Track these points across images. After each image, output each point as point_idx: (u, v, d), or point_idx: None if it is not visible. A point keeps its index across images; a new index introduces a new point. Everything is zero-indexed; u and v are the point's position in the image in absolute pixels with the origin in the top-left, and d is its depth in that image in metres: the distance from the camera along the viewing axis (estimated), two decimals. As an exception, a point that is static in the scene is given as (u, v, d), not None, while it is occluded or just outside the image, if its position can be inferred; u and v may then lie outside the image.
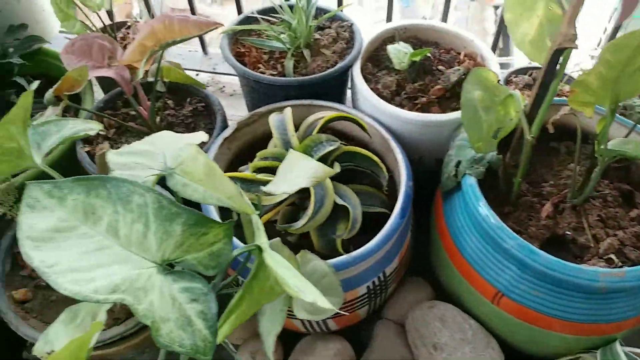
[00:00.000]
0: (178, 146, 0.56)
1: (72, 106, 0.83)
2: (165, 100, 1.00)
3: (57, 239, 0.46)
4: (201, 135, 0.58)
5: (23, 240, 0.45)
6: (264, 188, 0.55)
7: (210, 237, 0.49)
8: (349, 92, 1.02)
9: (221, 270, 0.51)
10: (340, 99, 1.03)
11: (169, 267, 0.48)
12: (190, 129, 0.99)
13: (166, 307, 0.45)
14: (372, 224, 0.74)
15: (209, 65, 1.27)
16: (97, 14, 1.03)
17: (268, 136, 0.83)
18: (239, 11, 1.22)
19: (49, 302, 0.75)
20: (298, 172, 0.54)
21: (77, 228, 0.47)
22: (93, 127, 0.58)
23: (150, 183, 0.51)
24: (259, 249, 0.49)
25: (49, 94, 0.81)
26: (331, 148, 0.77)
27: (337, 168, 0.76)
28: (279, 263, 0.47)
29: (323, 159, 0.78)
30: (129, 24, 1.12)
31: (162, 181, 0.53)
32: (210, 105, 1.00)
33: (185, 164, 0.52)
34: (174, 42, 0.84)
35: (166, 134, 0.59)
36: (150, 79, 0.93)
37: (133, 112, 0.99)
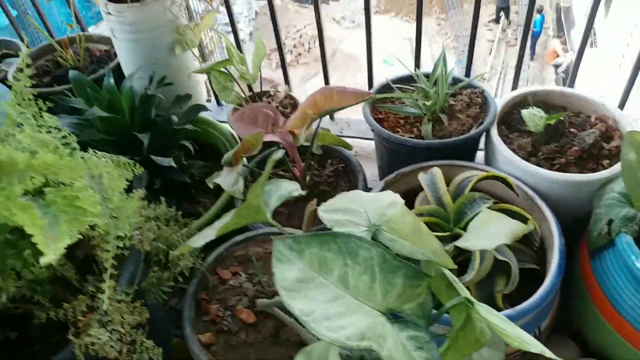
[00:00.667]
0: (379, 205, 0.64)
1: (248, 167, 0.94)
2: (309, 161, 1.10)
3: (303, 289, 0.54)
4: (395, 197, 0.65)
5: (279, 290, 0.53)
6: (458, 244, 0.61)
7: (420, 289, 0.56)
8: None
9: (429, 320, 0.57)
10: (472, 159, 1.09)
11: (390, 316, 0.54)
12: (332, 187, 1.08)
13: (400, 354, 0.50)
14: (521, 280, 0.78)
15: (336, 130, 1.38)
16: (250, 85, 1.17)
17: (410, 194, 0.90)
18: (285, 78, 1.33)
19: (229, 346, 0.82)
20: (494, 229, 0.60)
21: (315, 278, 0.55)
22: (298, 189, 0.67)
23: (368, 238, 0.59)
24: (468, 302, 0.55)
25: (228, 156, 0.93)
26: (485, 206, 0.83)
27: (493, 225, 0.81)
28: (493, 316, 0.52)
29: (474, 216, 0.83)
30: (271, 93, 1.25)
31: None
32: (350, 166, 1.09)
33: (393, 221, 0.60)
34: (332, 111, 0.95)
35: (363, 194, 0.68)
36: (305, 142, 1.03)
37: (281, 172, 1.10)
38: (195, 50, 1.21)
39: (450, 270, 0.82)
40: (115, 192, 0.61)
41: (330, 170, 1.10)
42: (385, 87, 1.12)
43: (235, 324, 0.85)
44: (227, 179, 0.95)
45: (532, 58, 8.82)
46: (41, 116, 0.66)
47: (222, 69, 1.14)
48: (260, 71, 1.15)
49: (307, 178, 1.04)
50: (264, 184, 0.62)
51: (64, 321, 0.72)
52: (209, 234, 0.63)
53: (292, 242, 0.57)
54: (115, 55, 1.33)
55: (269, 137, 0.96)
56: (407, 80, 1.13)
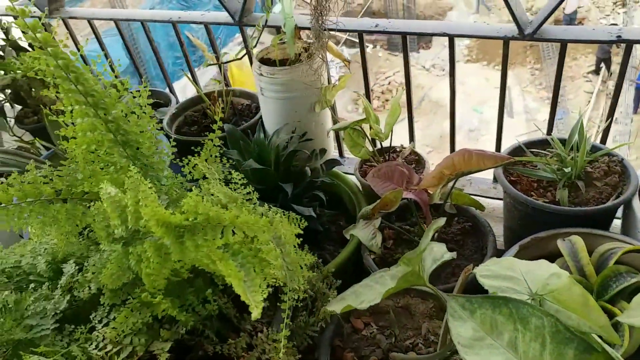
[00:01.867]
0: (539, 274, 0.65)
1: (385, 223, 0.99)
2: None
3: (475, 347, 0.57)
4: (555, 268, 0.67)
5: (457, 345, 0.56)
6: (622, 319, 0.61)
7: (590, 362, 0.56)
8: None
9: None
10: (607, 227, 1.07)
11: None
12: (459, 245, 1.10)
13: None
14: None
15: (457, 187, 1.41)
16: (379, 141, 1.24)
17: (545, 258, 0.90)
18: (411, 135, 1.34)
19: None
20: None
21: (485, 339, 0.58)
22: (448, 253, 0.71)
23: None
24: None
25: (366, 210, 0.99)
26: (633, 280, 0.81)
27: None
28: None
29: (620, 291, 0.82)
30: (397, 149, 1.32)
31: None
32: (478, 225, 1.11)
33: (559, 292, 0.61)
34: (469, 172, 0.99)
35: (516, 261, 0.70)
36: (438, 201, 1.07)
37: (407, 226, 1.14)
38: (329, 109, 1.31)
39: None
40: (290, 246, 0.68)
41: (457, 229, 1.13)
42: (517, 150, 1.14)
43: (369, 374, 0.88)
44: (365, 232, 1.01)
45: (635, 111, 8.33)
46: (230, 172, 0.76)
47: (357, 127, 1.22)
48: (392, 130, 1.22)
49: (435, 235, 1.07)
50: (424, 250, 0.66)
51: (226, 356, 0.79)
52: (372, 298, 0.68)
53: (465, 301, 0.61)
54: (256, 109, 1.47)
55: (405, 195, 1.01)
56: (540, 143, 1.14)
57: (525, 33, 1.04)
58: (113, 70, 1.24)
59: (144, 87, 0.86)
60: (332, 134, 1.40)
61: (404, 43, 1.22)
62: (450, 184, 1.02)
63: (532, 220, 1.05)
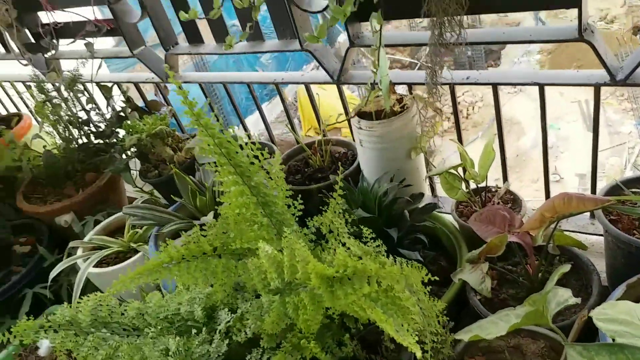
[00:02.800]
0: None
1: (494, 268, 1.07)
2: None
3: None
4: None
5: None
6: None
7: None
8: None
9: None
10: None
11: None
12: (562, 284, 1.15)
13: None
14: None
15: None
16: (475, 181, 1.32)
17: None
18: (504, 175, 1.37)
19: None
20: None
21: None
22: (573, 298, 0.78)
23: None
24: None
25: (473, 255, 1.07)
26: None
27: None
28: None
29: None
30: (492, 189, 1.39)
31: None
32: (579, 264, 1.16)
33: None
34: (570, 215, 1.05)
35: (632, 305, 0.76)
36: (541, 242, 1.13)
37: (509, 267, 1.21)
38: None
39: None
40: (421, 293, 0.78)
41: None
42: (615, 188, 1.18)
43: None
44: (473, 276, 1.09)
45: None
46: (360, 229, 0.88)
47: (452, 171, 1.32)
48: (487, 173, 1.30)
49: (539, 275, 1.13)
50: (548, 293, 0.74)
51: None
52: (497, 331, 0.76)
53: (582, 349, 0.68)
54: (352, 156, 1.60)
55: (509, 238, 1.08)
56: (636, 181, 1.17)
57: (617, 79, 1.09)
58: (249, 137, 1.42)
59: (257, 146, 0.98)
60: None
61: (495, 92, 1.31)
62: (552, 226, 1.08)
63: (636, 259, 1.08)
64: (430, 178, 1.62)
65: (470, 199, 1.36)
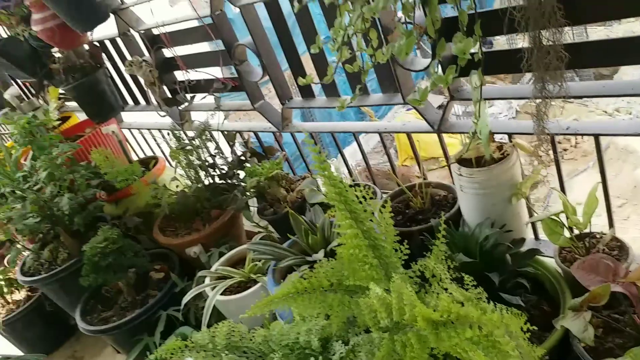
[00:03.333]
0: None
1: (593, 312, 1.10)
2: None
3: None
4: None
5: None
6: None
7: None
8: None
9: None
10: None
11: None
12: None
13: None
14: None
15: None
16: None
17: None
18: (610, 221, 1.34)
19: None
20: None
21: None
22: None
23: None
24: None
25: (575, 303, 1.11)
26: None
27: None
28: None
29: None
30: (597, 236, 1.40)
31: None
32: (693, 315, 1.13)
33: None
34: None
35: None
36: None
37: (616, 315, 1.21)
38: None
39: None
40: (521, 339, 0.85)
41: (670, 319, 1.16)
42: None
43: None
44: (576, 324, 1.12)
45: None
46: (461, 274, 0.97)
47: (554, 218, 1.35)
48: (590, 220, 1.32)
49: (647, 325, 1.13)
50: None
51: None
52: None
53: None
54: (452, 199, 1.68)
55: (613, 288, 1.10)
56: None
57: None
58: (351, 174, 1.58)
59: (384, 202, 1.12)
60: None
61: (597, 143, 1.33)
62: (659, 277, 1.09)
63: None
64: (533, 222, 1.65)
65: (574, 245, 1.38)
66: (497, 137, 1.51)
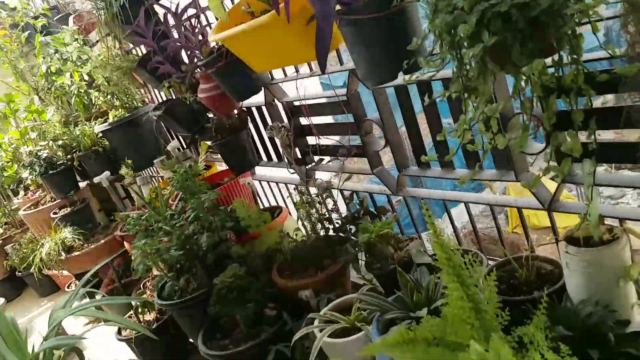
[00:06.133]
0: None
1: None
2: None
3: None
4: None
5: None
6: None
7: None
8: None
9: None
10: None
11: None
12: None
13: None
14: None
15: None
16: None
17: None
18: None
19: None
20: None
21: None
22: None
23: None
24: None
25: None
26: None
27: None
28: None
29: None
30: None
31: None
32: None
33: None
34: None
35: None
36: None
37: None
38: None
39: None
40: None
41: None
42: None
43: None
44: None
45: None
46: (558, 345, 1.06)
47: (664, 304, 1.37)
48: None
49: None
50: None
51: None
52: None
53: None
54: (559, 275, 1.73)
55: None
56: None
57: None
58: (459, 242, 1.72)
59: (489, 270, 1.26)
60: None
61: None
62: None
63: None
64: (643, 307, 1.64)
65: (685, 335, 1.37)
66: (609, 221, 1.57)
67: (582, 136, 1.34)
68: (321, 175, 2.55)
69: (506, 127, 1.60)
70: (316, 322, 1.98)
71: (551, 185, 1.72)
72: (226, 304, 2.14)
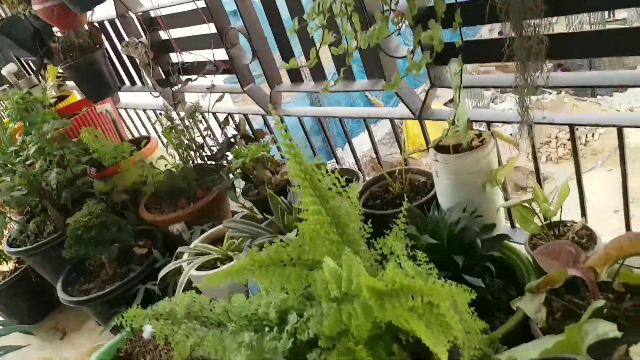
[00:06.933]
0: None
1: (553, 297, 1.10)
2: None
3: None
4: None
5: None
6: None
7: None
8: None
9: None
10: None
11: None
12: (632, 323, 1.13)
13: None
14: None
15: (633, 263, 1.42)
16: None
17: None
18: (583, 210, 1.32)
19: None
20: None
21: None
22: (614, 330, 0.81)
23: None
24: None
25: (532, 285, 1.12)
26: None
27: None
28: None
29: None
30: (568, 224, 1.40)
31: None
32: (653, 305, 1.13)
33: None
34: (637, 254, 1.05)
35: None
36: (606, 278, 1.14)
37: (576, 300, 1.22)
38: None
39: None
40: (465, 314, 0.86)
41: (630, 305, 1.16)
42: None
43: None
44: (531, 306, 1.13)
45: None
46: (413, 250, 0.98)
47: (525, 205, 1.35)
48: (561, 207, 1.32)
49: (604, 311, 1.13)
50: (583, 324, 0.79)
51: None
52: (531, 353, 0.82)
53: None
54: (431, 186, 1.69)
55: (571, 272, 1.11)
56: None
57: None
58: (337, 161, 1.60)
59: (337, 174, 1.12)
60: (502, 208, 1.54)
61: (572, 134, 1.33)
62: (618, 263, 1.09)
63: None
64: (509, 211, 1.65)
65: (544, 233, 1.38)
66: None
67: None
68: (192, 99, 2.29)
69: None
70: (185, 256, 1.82)
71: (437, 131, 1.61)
72: (84, 244, 1.90)
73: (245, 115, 2.23)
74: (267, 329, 1.10)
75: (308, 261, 1.09)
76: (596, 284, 1.14)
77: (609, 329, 0.82)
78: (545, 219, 1.43)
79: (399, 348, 0.97)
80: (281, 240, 1.42)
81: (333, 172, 1.12)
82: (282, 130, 1.07)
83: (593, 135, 9.72)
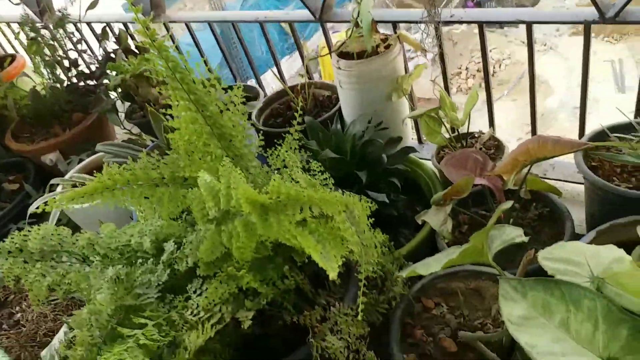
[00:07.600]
0: (602, 259, 0.67)
1: (460, 209, 1.03)
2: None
3: (526, 325, 0.61)
4: (620, 252, 0.67)
5: (507, 323, 0.60)
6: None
7: (648, 343, 0.57)
8: None
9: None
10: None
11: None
12: (536, 232, 1.10)
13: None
14: None
15: (540, 171, 1.37)
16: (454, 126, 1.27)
17: (621, 246, 0.88)
18: (491, 120, 1.30)
19: (431, 368, 0.91)
20: None
21: (537, 318, 0.61)
22: (521, 235, 0.74)
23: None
24: None
25: (438, 196, 1.03)
26: None
27: None
28: None
29: None
30: (475, 134, 1.33)
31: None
32: (556, 211, 1.10)
33: (620, 276, 0.62)
34: (544, 159, 0.99)
35: (582, 245, 0.71)
36: (513, 186, 1.08)
37: (483, 212, 1.16)
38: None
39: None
40: (364, 225, 0.75)
41: (535, 214, 1.13)
42: (600, 135, 1.11)
43: (437, 350, 0.93)
44: (436, 218, 1.05)
45: None
46: (308, 162, 0.84)
47: (432, 114, 1.26)
48: (469, 116, 1.24)
49: (510, 221, 1.09)
50: (489, 229, 0.70)
51: (302, 326, 0.88)
52: (434, 265, 0.73)
53: (516, 283, 0.64)
54: (336, 100, 1.54)
55: (478, 181, 1.03)
56: (625, 128, 1.10)
57: (607, 16, 1.01)
58: (210, 71, 1.39)
59: (238, 87, 0.95)
60: (409, 120, 1.44)
61: (481, 31, 1.23)
62: (525, 170, 1.03)
63: (613, 206, 1.02)
64: (417, 125, 1.57)
65: (451, 144, 1.30)
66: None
67: None
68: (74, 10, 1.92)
69: None
70: (59, 188, 1.57)
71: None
72: None
73: (126, 25, 1.92)
74: (140, 261, 0.94)
75: (186, 181, 0.92)
76: (503, 193, 1.08)
77: (515, 234, 0.74)
78: (453, 131, 1.35)
79: (292, 271, 0.85)
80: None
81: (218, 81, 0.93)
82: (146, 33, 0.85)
83: (500, 66, 10.06)
